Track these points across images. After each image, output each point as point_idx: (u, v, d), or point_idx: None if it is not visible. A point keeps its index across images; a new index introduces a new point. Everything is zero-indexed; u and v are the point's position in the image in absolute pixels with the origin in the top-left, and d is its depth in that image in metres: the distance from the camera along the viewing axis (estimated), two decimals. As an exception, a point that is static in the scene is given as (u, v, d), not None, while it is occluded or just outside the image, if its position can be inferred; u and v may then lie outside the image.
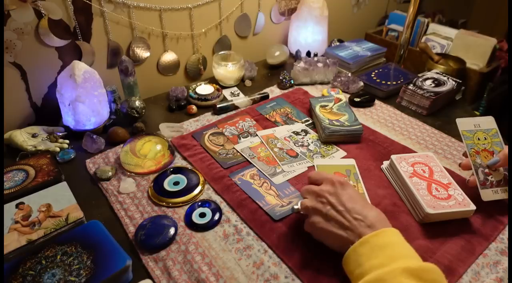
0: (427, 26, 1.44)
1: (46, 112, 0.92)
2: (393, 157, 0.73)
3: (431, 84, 0.99)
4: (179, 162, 0.80)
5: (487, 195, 0.65)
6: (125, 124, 0.89)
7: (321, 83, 1.12)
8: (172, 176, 0.73)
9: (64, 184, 0.69)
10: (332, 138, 0.84)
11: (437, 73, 1.05)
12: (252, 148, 0.82)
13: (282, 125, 0.90)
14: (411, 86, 0.98)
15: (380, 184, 0.73)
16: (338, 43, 1.32)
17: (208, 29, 1.11)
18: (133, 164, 0.74)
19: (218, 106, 0.95)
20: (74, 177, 0.74)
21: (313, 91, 1.08)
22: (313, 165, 0.76)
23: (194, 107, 0.96)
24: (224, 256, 0.58)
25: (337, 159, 0.79)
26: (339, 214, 0.52)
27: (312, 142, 0.84)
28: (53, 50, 0.86)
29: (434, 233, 0.62)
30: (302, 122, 0.92)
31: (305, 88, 1.09)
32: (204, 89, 1.02)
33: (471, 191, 0.65)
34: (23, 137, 0.80)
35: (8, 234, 0.59)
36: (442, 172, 0.69)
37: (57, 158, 0.79)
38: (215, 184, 0.73)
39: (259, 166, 0.76)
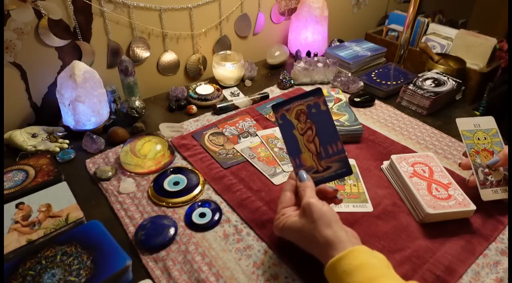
0: (427, 26, 1.44)
1: (46, 112, 0.92)
2: (393, 157, 0.73)
3: (431, 84, 0.99)
4: (179, 162, 0.80)
5: (487, 195, 0.65)
6: (125, 124, 0.89)
7: (321, 83, 1.12)
8: (172, 176, 0.73)
9: (64, 184, 0.69)
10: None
11: (437, 73, 1.05)
12: (252, 148, 0.82)
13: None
14: (411, 86, 0.98)
15: (380, 184, 0.73)
16: (338, 43, 1.32)
17: (208, 29, 1.11)
18: (133, 164, 0.74)
19: (218, 106, 0.95)
20: (74, 177, 0.74)
21: (313, 91, 1.07)
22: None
23: (194, 107, 0.96)
24: (224, 256, 0.58)
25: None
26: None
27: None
28: (53, 50, 0.86)
29: (434, 233, 0.62)
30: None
31: (305, 88, 1.09)
32: (204, 89, 1.02)
33: (471, 191, 0.65)
34: (23, 137, 0.80)
35: (8, 234, 0.59)
36: (442, 172, 0.69)
37: (57, 158, 0.79)
38: (215, 184, 0.73)
39: (259, 166, 0.76)
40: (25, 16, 0.79)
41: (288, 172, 0.75)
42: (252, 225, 0.64)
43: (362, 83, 1.06)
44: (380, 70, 1.13)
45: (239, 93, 1.06)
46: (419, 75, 1.04)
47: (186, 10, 1.03)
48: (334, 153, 0.57)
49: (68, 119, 0.85)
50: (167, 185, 0.71)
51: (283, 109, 0.58)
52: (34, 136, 0.82)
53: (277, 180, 0.73)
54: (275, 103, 0.59)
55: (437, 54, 1.25)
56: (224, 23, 1.13)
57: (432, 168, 0.70)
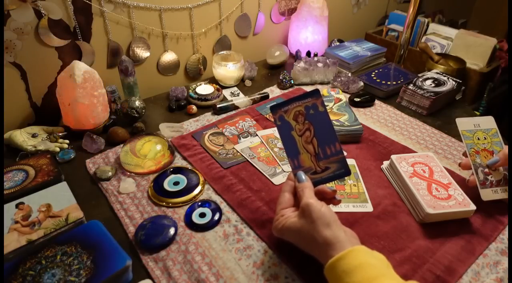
0: (427, 26, 1.44)
1: (46, 112, 0.92)
2: (393, 157, 0.73)
3: (431, 84, 0.99)
4: (179, 162, 0.80)
5: (487, 195, 0.65)
6: (125, 124, 0.89)
7: (321, 83, 1.12)
8: (172, 176, 0.73)
9: (64, 184, 0.69)
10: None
11: (437, 73, 1.05)
12: (252, 148, 0.82)
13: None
14: (411, 86, 0.98)
15: (380, 184, 0.73)
16: (338, 43, 1.32)
17: (208, 29, 1.11)
18: (133, 164, 0.74)
19: (218, 106, 0.95)
20: (74, 177, 0.74)
21: (313, 91, 1.08)
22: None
23: (194, 107, 0.96)
24: (224, 256, 0.58)
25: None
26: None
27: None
28: (53, 50, 0.86)
29: (434, 233, 0.62)
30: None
31: (305, 88, 1.09)
32: (204, 89, 1.02)
33: (471, 191, 0.65)
34: (23, 137, 0.80)
35: (8, 234, 0.59)
36: (442, 172, 0.69)
37: (57, 158, 0.79)
38: (215, 184, 0.73)
39: (259, 166, 0.76)
40: (25, 16, 0.79)
41: (288, 172, 0.75)
42: (252, 225, 0.64)
43: (362, 83, 1.06)
44: (380, 70, 1.13)
45: (239, 93, 1.06)
46: (419, 75, 1.04)
47: (186, 10, 1.03)
48: (332, 154, 0.57)
49: (68, 119, 0.85)
50: (167, 185, 0.71)
51: (281, 110, 0.59)
52: (34, 136, 0.82)
53: (277, 180, 0.73)
54: (273, 104, 0.59)
55: (437, 54, 1.25)
56: (224, 23, 1.13)
57: (432, 168, 0.70)
